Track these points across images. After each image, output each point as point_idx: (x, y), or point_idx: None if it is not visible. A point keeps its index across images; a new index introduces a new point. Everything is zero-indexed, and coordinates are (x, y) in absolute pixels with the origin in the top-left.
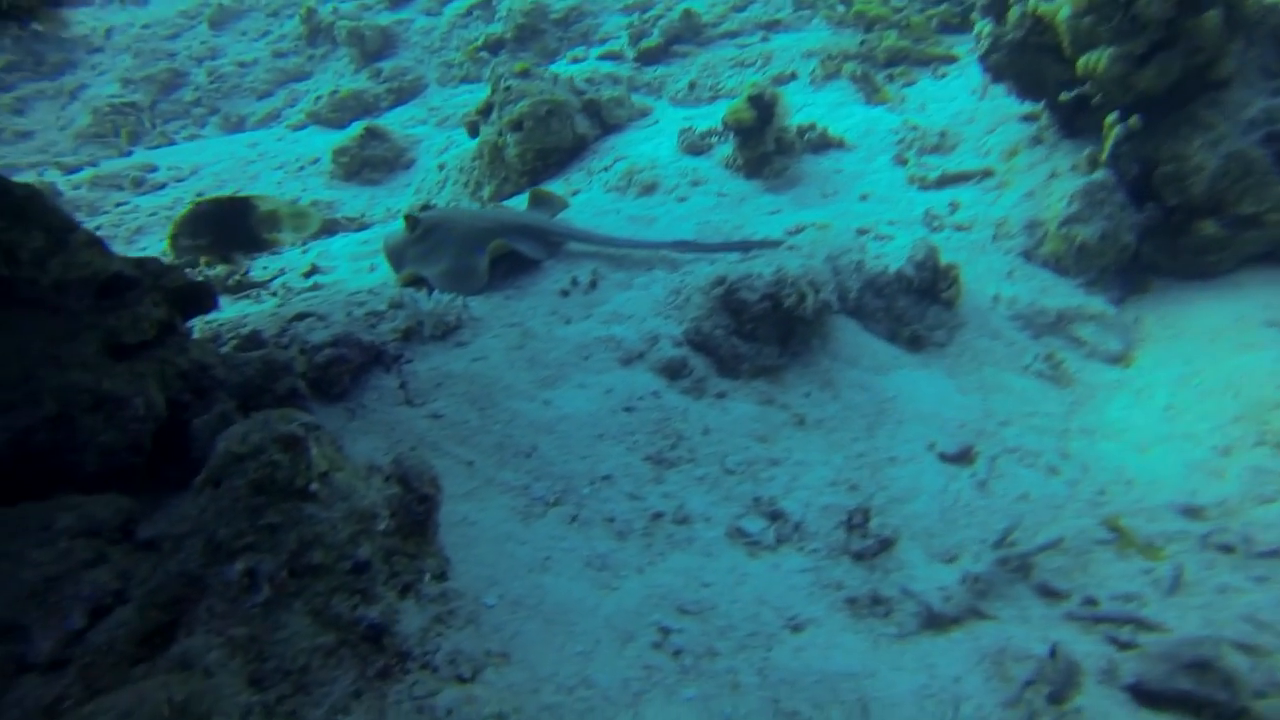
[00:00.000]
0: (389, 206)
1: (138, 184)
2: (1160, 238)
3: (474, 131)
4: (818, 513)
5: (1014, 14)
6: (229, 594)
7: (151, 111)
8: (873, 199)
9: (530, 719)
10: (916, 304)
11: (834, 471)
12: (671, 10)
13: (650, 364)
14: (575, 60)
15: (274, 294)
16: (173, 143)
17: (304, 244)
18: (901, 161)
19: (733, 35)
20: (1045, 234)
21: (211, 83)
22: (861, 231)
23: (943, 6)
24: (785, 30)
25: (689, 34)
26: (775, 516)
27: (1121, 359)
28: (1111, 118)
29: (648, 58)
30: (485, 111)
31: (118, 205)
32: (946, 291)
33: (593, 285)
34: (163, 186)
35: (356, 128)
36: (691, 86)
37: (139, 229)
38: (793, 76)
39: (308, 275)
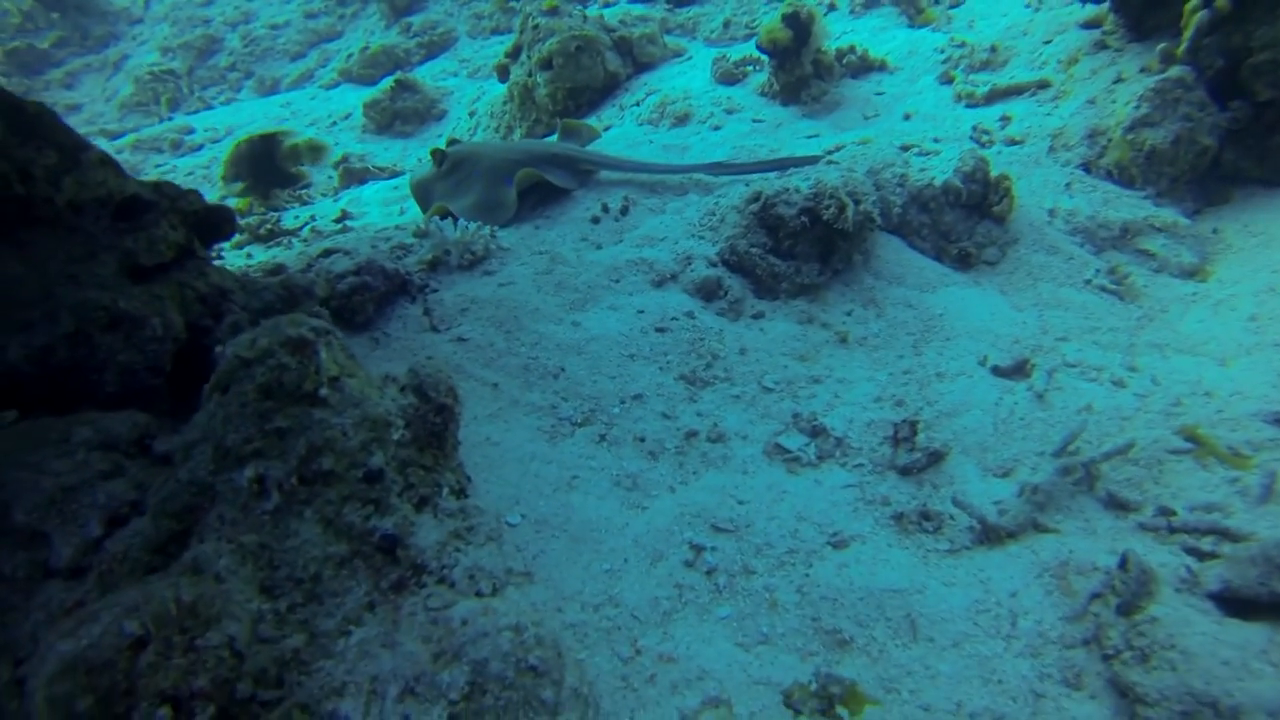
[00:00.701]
0: (421, 157)
1: (176, 146)
2: (1247, 140)
3: (504, 75)
4: (861, 428)
5: None
6: (239, 501)
7: (189, 78)
8: (917, 118)
9: (551, 633)
10: (965, 219)
11: (878, 388)
12: None
13: (684, 284)
14: (606, 4)
15: (305, 241)
16: (210, 107)
17: (335, 194)
18: (948, 80)
19: None
20: (1109, 142)
21: (245, 47)
22: (905, 147)
23: None
24: None
25: None
26: (816, 432)
27: (1197, 272)
28: (1194, 2)
29: None
30: (514, 53)
31: (157, 167)
32: (998, 205)
33: (624, 211)
34: (200, 148)
35: (387, 81)
36: (726, 25)
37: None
38: (831, 7)
39: (338, 221)
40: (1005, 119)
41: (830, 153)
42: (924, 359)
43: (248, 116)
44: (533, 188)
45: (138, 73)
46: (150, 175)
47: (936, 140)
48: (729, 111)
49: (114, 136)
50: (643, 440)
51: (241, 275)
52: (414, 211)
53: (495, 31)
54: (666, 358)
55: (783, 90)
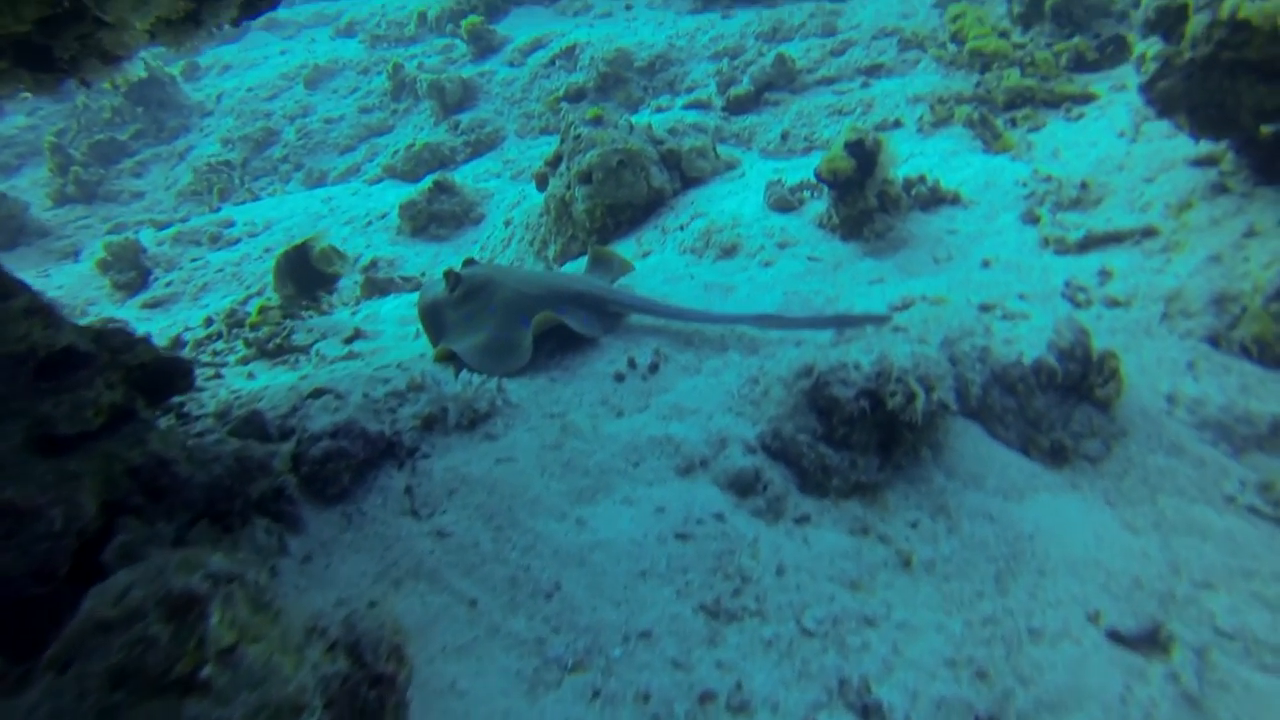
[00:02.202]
0: (452, 266)
1: (214, 240)
2: None
3: (543, 184)
4: (929, 710)
5: (1197, 26)
6: None
7: (243, 169)
8: (998, 265)
9: None
10: (1059, 403)
11: (951, 643)
12: (764, 56)
13: (715, 475)
14: (660, 109)
15: (310, 359)
16: (257, 199)
17: (356, 305)
18: (1032, 219)
19: (830, 81)
20: (1244, 311)
21: (299, 139)
22: (985, 308)
23: (1074, 40)
24: (888, 75)
25: (782, 81)
26: (868, 713)
27: None
28: None
29: (737, 106)
30: (554, 162)
31: (193, 261)
32: (1102, 388)
33: (653, 369)
34: (236, 242)
35: (426, 181)
36: (784, 137)
37: (205, 285)
38: (897, 124)
39: (349, 341)
40: (1105, 274)
41: (897, 308)
42: (1012, 602)
43: (288, 210)
44: (553, 328)
45: (197, 163)
46: (183, 270)
47: (1022, 297)
48: (781, 245)
49: (161, 227)
50: (646, 699)
51: (193, 440)
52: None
53: (544, 131)
54: (686, 576)
55: (843, 224)
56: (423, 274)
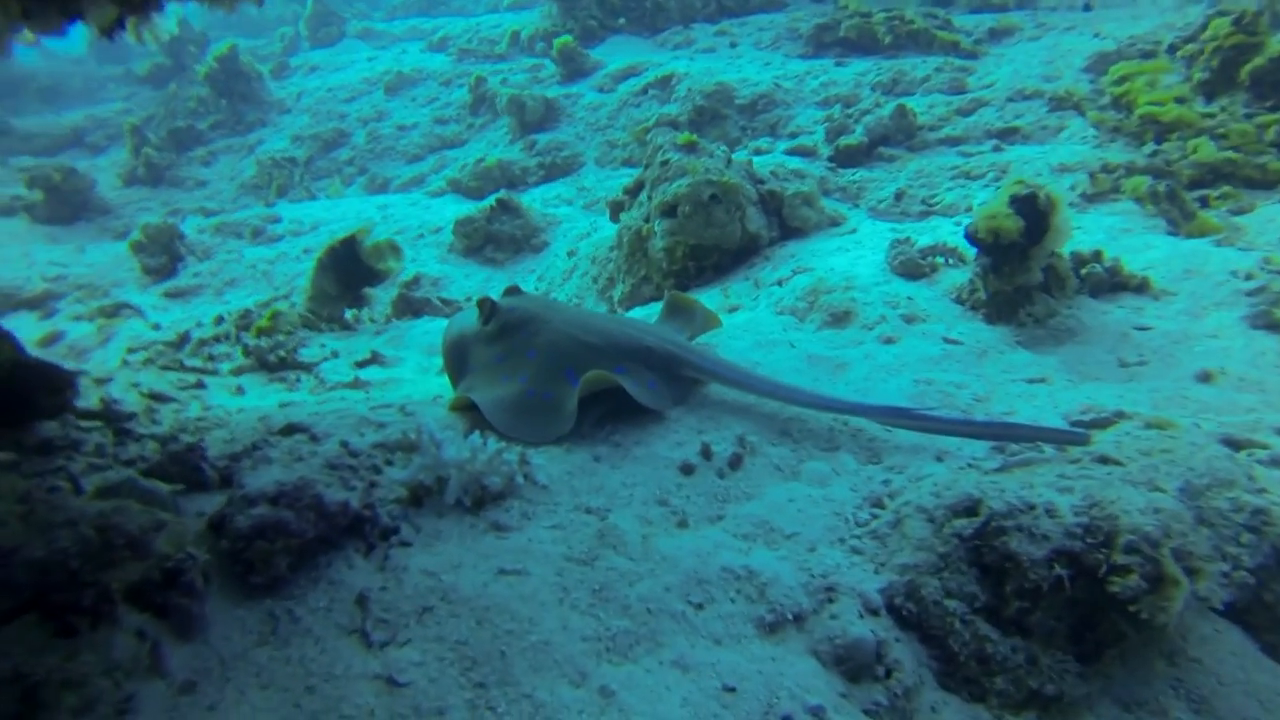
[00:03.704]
0: (492, 293)
1: (256, 234)
2: None
3: (617, 214)
4: None
5: None
6: None
7: (306, 167)
8: (1225, 383)
9: None
10: None
11: None
12: (882, 107)
13: (816, 641)
14: (758, 152)
15: (311, 380)
16: (314, 198)
17: (381, 326)
18: (1271, 324)
19: (955, 142)
20: None
21: (368, 143)
22: (1233, 444)
23: None
24: (1025, 141)
25: (900, 135)
26: None
27: None
28: None
29: (846, 158)
30: (634, 190)
31: (228, 254)
32: None
33: (735, 463)
34: (278, 239)
35: (489, 199)
36: (898, 196)
37: (232, 281)
38: None
39: (361, 365)
40: None
41: (1087, 425)
42: None
43: (340, 214)
44: (608, 389)
45: (262, 157)
46: (215, 260)
47: (1278, 431)
48: (908, 319)
49: (209, 214)
50: None
51: (47, 492)
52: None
53: (627, 163)
54: None
55: (992, 301)
56: (467, 299)
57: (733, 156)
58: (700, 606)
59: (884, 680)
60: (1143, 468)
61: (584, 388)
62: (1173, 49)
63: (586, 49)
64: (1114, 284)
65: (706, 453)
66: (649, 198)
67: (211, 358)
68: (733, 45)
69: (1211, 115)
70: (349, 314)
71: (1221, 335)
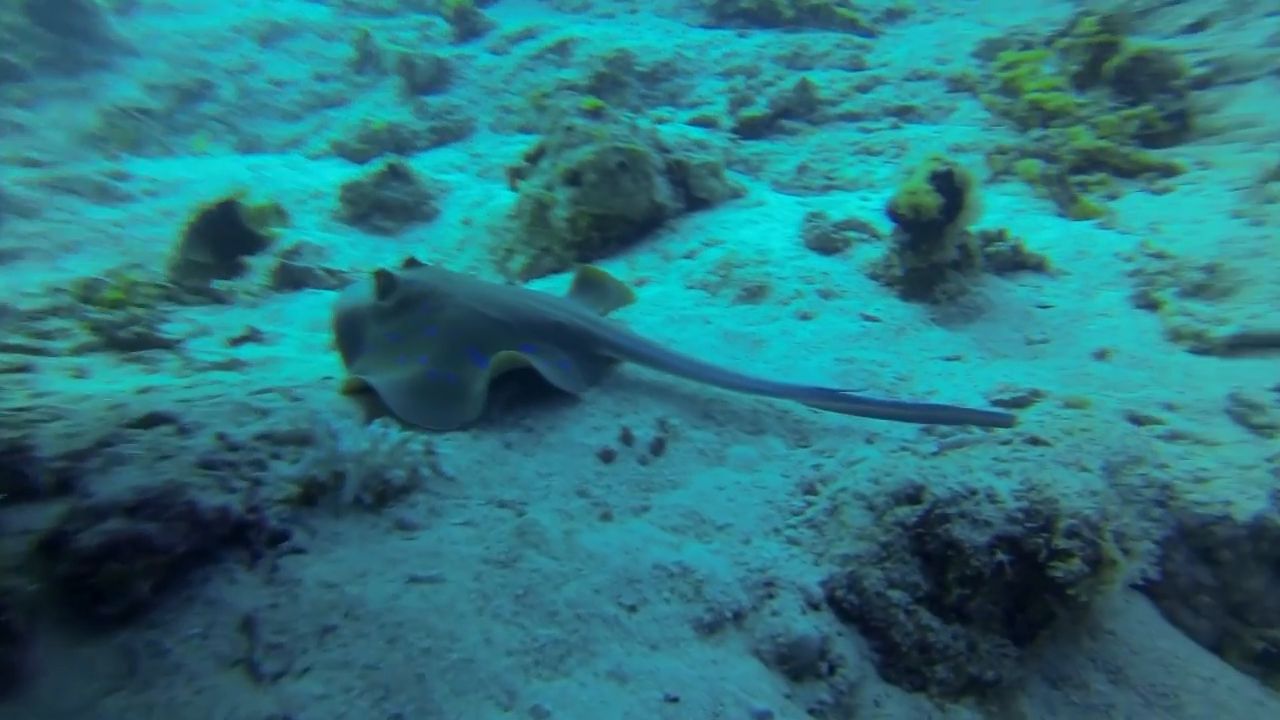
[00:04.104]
0: (391, 264)
1: (101, 191)
2: None
3: (515, 181)
4: None
5: None
6: None
7: (165, 120)
8: (1120, 360)
9: None
10: (1274, 582)
11: None
12: (784, 79)
13: (758, 640)
14: (660, 121)
15: (176, 360)
16: (174, 155)
17: (258, 298)
18: (1150, 304)
19: (855, 118)
20: None
21: (240, 98)
22: (1136, 420)
23: (1144, 108)
24: (920, 120)
25: (802, 109)
26: None
27: None
28: None
29: (749, 130)
30: (535, 157)
31: (61, 212)
32: None
33: (657, 448)
34: (130, 199)
35: (377, 163)
36: (801, 170)
37: (70, 244)
38: None
39: (237, 342)
40: None
41: (1009, 404)
42: None
43: (206, 174)
44: (514, 370)
45: (107, 106)
46: (45, 221)
47: (1170, 408)
48: (825, 295)
49: (35, 165)
50: None
51: None
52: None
53: (523, 130)
54: None
55: (907, 278)
56: (354, 269)
57: (638, 123)
58: (633, 609)
59: (828, 677)
60: (1069, 447)
61: (493, 369)
62: (1049, 42)
63: (480, 8)
64: (1016, 262)
65: (627, 438)
66: (552, 165)
67: (42, 335)
68: (633, 12)
69: (1084, 106)
70: (219, 285)
71: (1111, 314)
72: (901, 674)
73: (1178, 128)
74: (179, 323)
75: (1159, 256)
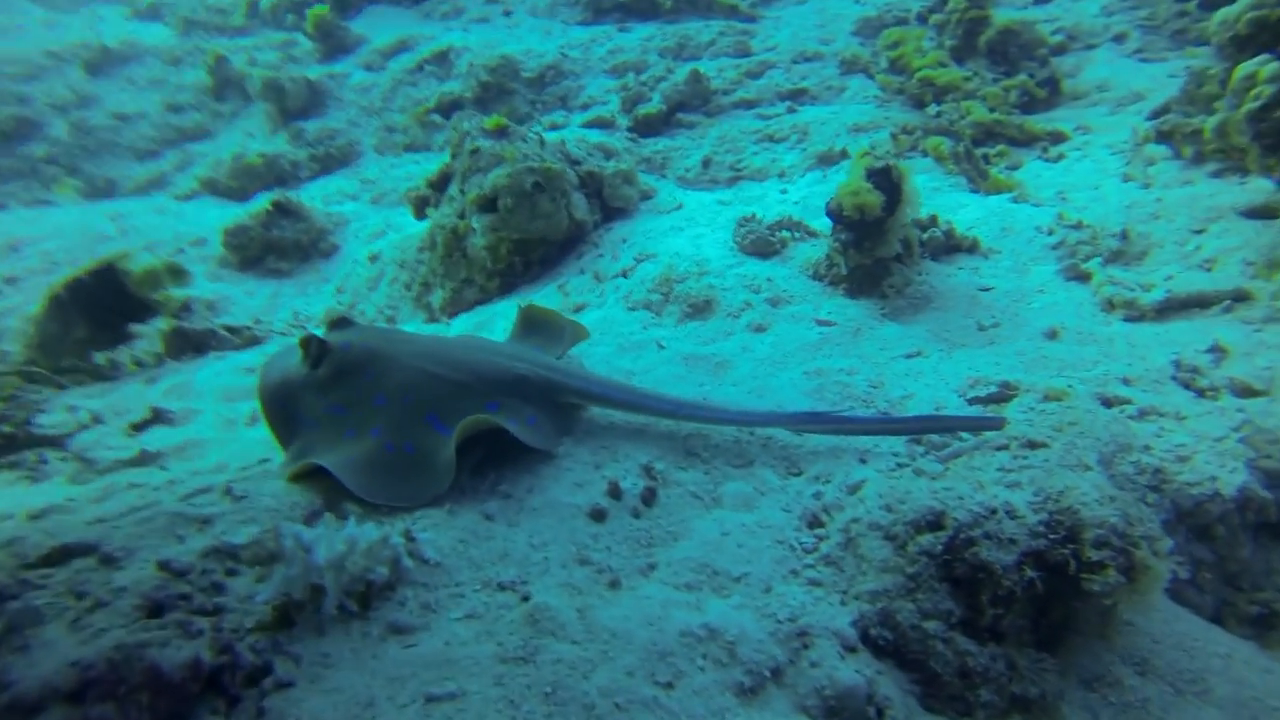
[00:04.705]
0: (298, 310)
1: None
2: None
3: (422, 210)
4: None
5: None
6: None
7: None
8: (1069, 337)
9: None
10: (1257, 549)
11: None
12: (675, 72)
13: (801, 696)
14: (554, 127)
15: (67, 464)
16: (2, 207)
17: (152, 371)
18: (1080, 275)
19: (750, 105)
20: None
21: (74, 137)
22: (1107, 402)
23: (1021, 77)
24: (814, 102)
25: (697, 101)
26: None
27: None
28: None
29: (646, 127)
30: (440, 184)
31: None
32: None
33: (648, 498)
34: None
35: (262, 201)
36: (706, 164)
37: None
38: (844, 155)
39: (141, 427)
40: (1219, 351)
41: (982, 401)
42: None
43: (54, 228)
44: (479, 432)
45: None
46: None
47: (1128, 383)
48: (774, 303)
49: None
50: None
51: None
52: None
53: (410, 149)
54: None
55: (851, 276)
56: (256, 322)
57: (545, 137)
58: (670, 685)
59: None
60: (1065, 446)
61: (459, 435)
62: (922, 18)
63: (344, 21)
64: (950, 246)
65: (615, 491)
66: (461, 191)
67: None
68: (507, 14)
69: (969, 79)
70: (99, 358)
71: (1048, 290)
72: (945, 702)
73: (1051, 94)
74: (58, 412)
75: (1077, 227)
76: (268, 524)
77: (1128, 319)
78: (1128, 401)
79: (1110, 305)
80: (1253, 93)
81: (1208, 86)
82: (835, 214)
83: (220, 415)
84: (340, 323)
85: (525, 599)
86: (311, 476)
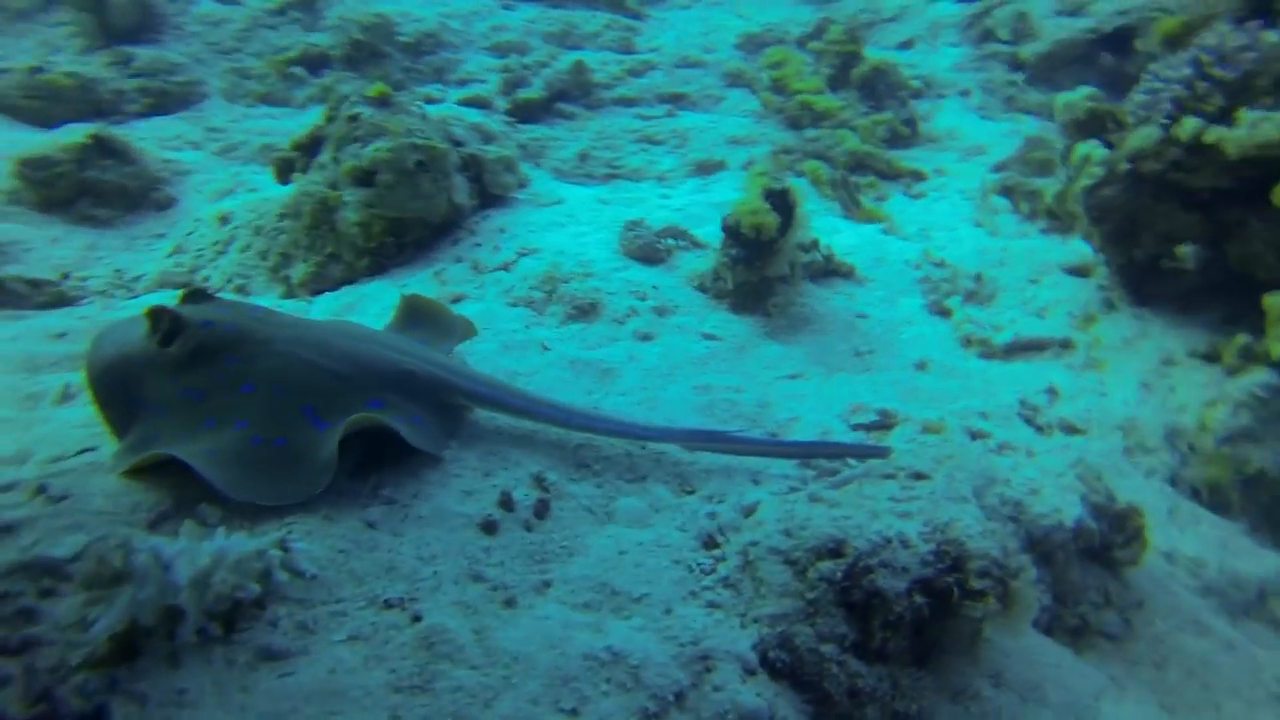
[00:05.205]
0: (121, 268)
1: None
2: None
3: (285, 174)
4: None
5: (1145, 139)
6: None
7: None
8: (935, 370)
9: None
10: (1084, 573)
11: None
12: (558, 59)
13: None
14: (429, 100)
15: None
16: None
17: None
18: (941, 311)
19: (630, 103)
20: (1195, 452)
21: None
22: (974, 435)
23: (888, 114)
24: (693, 108)
25: (578, 92)
26: None
27: None
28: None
29: (525, 113)
30: (309, 146)
31: None
32: (1124, 549)
33: (541, 511)
34: None
35: (75, 133)
36: (582, 158)
37: None
38: (720, 166)
39: None
40: (1053, 392)
41: (866, 427)
42: None
43: None
44: (363, 430)
45: None
46: None
47: (984, 417)
48: (660, 312)
49: None
50: None
51: None
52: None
53: (267, 100)
54: None
55: (736, 291)
56: (64, 277)
57: (427, 112)
58: (575, 713)
59: None
60: (946, 478)
61: (347, 429)
62: (800, 43)
63: None
64: (829, 270)
65: (507, 503)
66: (334, 159)
67: None
68: None
69: (844, 108)
70: None
71: (915, 322)
72: None
73: (911, 133)
74: None
75: (940, 265)
76: (100, 531)
77: (982, 356)
78: (988, 435)
79: (968, 342)
80: (1087, 169)
81: (1039, 152)
82: (733, 230)
83: (16, 390)
84: (196, 295)
85: (417, 619)
86: (153, 472)
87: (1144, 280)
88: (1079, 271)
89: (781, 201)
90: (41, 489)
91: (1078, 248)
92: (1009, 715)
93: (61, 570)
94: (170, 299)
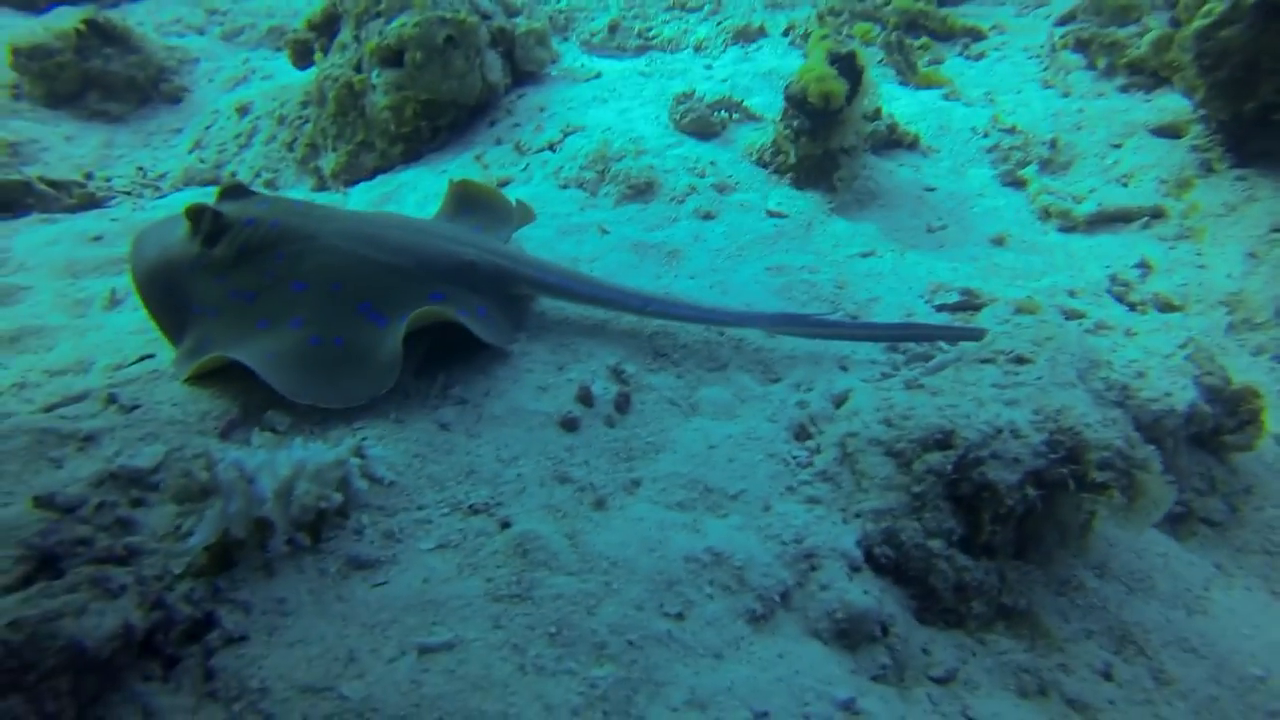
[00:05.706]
0: (143, 166)
1: None
2: None
3: (304, 58)
4: None
5: None
6: None
7: None
8: (1015, 246)
9: None
10: (1191, 457)
11: None
12: None
13: (812, 620)
14: None
15: None
16: None
17: None
18: (1015, 182)
19: None
20: None
21: None
22: (1068, 316)
23: None
24: None
25: None
26: None
27: None
28: None
29: None
30: (325, 25)
31: None
32: (1237, 434)
33: (623, 405)
34: None
35: (68, 16)
36: (612, 29)
37: None
38: (761, 32)
39: None
40: (1145, 267)
41: (950, 309)
42: None
43: None
44: (423, 328)
45: None
46: None
47: (1072, 294)
48: (720, 190)
49: None
50: None
51: None
52: (135, 301)
53: None
54: None
55: (799, 165)
56: (88, 177)
57: None
58: (681, 617)
59: (883, 639)
60: (1049, 363)
61: (412, 324)
62: None
63: None
64: (892, 141)
65: (586, 398)
66: (356, 38)
67: None
68: None
69: None
70: None
71: (987, 194)
72: (938, 615)
73: None
74: None
75: (1010, 131)
76: (176, 441)
77: (1063, 229)
78: (1083, 315)
79: (1047, 214)
80: (1205, 8)
81: None
82: (797, 99)
83: (63, 295)
84: (234, 190)
85: (506, 524)
86: (216, 377)
87: (1251, 136)
88: (1169, 131)
89: (848, 66)
90: (112, 398)
91: (1167, 104)
92: (1115, 606)
93: (146, 480)
94: (201, 197)
